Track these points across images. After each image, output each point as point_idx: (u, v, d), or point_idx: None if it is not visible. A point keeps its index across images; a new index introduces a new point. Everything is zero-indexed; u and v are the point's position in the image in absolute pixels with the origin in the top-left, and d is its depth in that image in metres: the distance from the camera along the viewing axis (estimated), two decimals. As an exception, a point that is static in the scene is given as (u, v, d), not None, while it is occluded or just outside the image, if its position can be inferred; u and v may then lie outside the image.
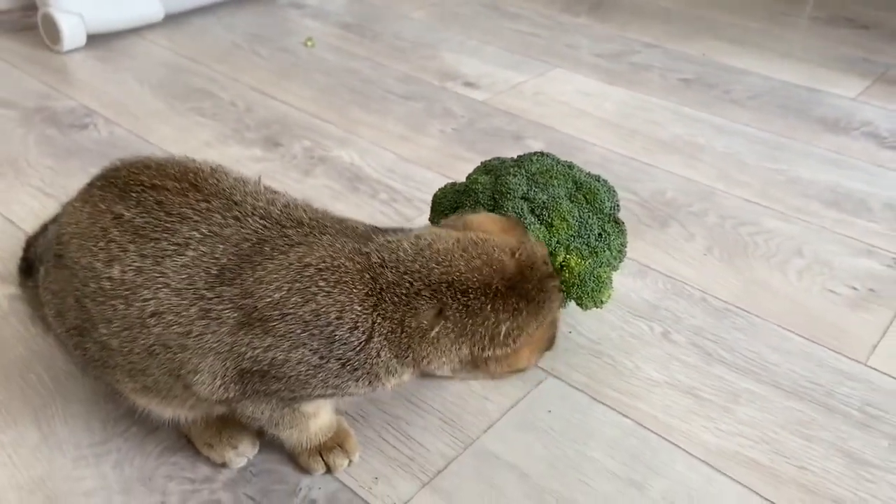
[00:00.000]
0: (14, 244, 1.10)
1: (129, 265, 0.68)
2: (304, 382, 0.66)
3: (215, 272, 0.66)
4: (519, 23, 1.99)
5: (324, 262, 0.65)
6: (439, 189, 0.96)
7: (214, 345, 0.66)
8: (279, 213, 0.69)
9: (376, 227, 0.72)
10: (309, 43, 1.82)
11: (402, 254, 0.66)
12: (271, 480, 0.79)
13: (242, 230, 0.67)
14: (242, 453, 0.80)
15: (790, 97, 1.61)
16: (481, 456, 0.82)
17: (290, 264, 0.65)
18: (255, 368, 0.66)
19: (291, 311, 0.64)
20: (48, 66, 1.67)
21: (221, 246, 0.67)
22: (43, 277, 0.77)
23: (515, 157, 0.96)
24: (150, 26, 1.85)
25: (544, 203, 0.87)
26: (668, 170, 1.35)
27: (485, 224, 0.72)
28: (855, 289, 1.07)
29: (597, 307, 0.89)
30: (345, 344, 0.64)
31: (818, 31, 1.96)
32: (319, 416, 0.76)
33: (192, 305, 0.66)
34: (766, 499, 0.78)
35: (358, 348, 0.65)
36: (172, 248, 0.67)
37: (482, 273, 0.66)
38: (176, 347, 0.67)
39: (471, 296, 0.65)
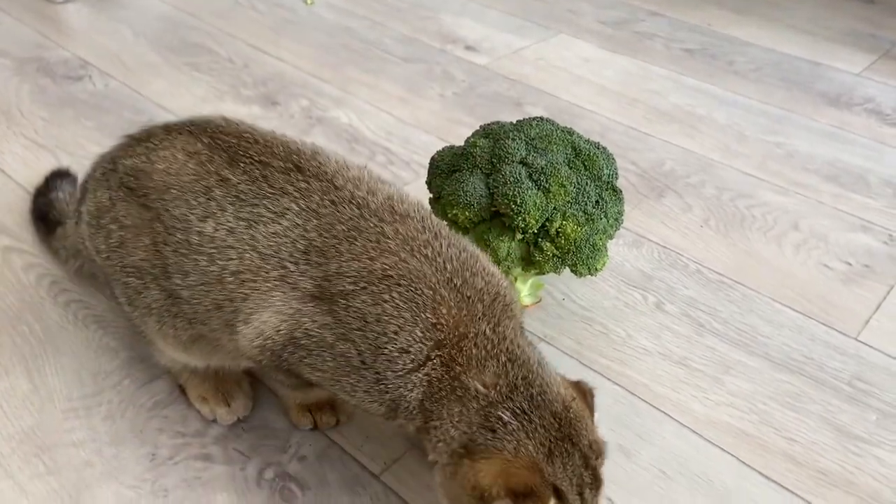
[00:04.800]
0: (6, 194, 1.09)
1: (224, 224, 0.68)
2: (335, 378, 0.65)
3: (302, 247, 0.65)
4: (522, -14, 1.96)
5: (405, 279, 0.63)
6: (437, 152, 0.95)
7: (279, 304, 0.65)
8: (379, 204, 0.68)
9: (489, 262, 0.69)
10: (308, 1, 1.79)
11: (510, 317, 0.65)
12: (262, 436, 0.79)
13: (337, 214, 0.67)
14: (234, 412, 0.80)
15: (793, 70, 1.60)
16: (472, 418, 0.83)
17: (374, 270, 0.63)
18: (302, 342, 0.65)
19: (358, 305, 0.63)
20: (43, 15, 1.64)
21: (315, 222, 0.66)
22: (107, 207, 0.75)
23: (515, 121, 0.95)
24: (147, -22, 1.82)
25: (542, 168, 0.86)
26: (668, 140, 1.34)
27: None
28: (849, 264, 1.07)
29: (591, 274, 0.89)
30: (390, 361, 0.62)
31: (825, 3, 1.93)
32: None
33: (273, 270, 0.66)
34: (754, 468, 0.79)
35: (400, 373, 0.62)
36: (269, 215, 0.67)
37: (545, 390, 0.63)
38: (239, 297, 0.67)
39: (531, 394, 0.62)
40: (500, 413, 0.61)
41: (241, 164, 0.70)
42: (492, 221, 0.88)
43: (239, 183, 0.69)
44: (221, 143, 0.72)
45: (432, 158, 0.95)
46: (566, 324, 0.95)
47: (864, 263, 1.07)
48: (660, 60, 1.62)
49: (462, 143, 0.94)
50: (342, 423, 0.80)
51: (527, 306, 0.96)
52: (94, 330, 0.90)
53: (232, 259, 0.67)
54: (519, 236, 0.86)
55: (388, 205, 0.68)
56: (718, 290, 1.01)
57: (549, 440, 0.61)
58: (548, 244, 0.86)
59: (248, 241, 0.67)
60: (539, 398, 0.62)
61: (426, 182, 0.94)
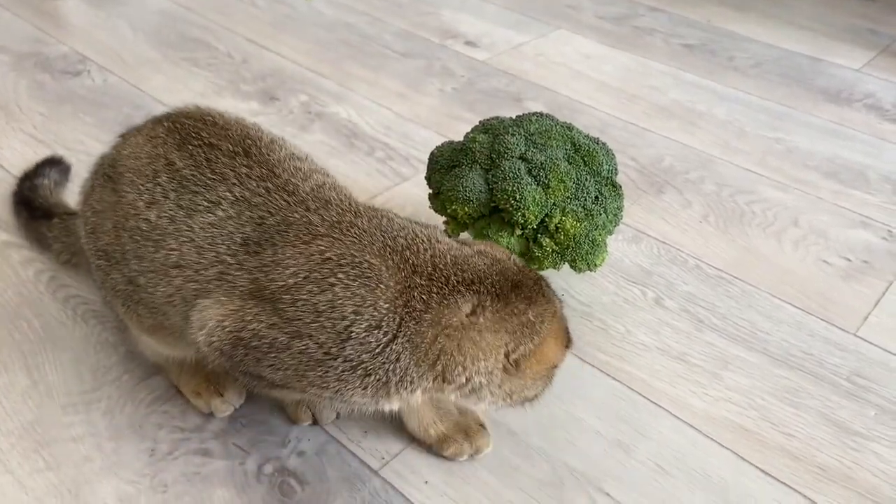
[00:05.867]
0: (5, 190, 1.09)
1: (165, 212, 0.68)
2: (300, 374, 0.64)
3: (239, 240, 0.65)
4: (522, -18, 1.96)
5: (345, 257, 0.63)
6: (437, 147, 0.95)
7: (223, 299, 0.65)
8: (307, 192, 0.68)
9: (405, 219, 0.70)
10: (308, -5, 1.79)
11: (435, 250, 0.65)
12: (261, 431, 0.79)
13: (269, 203, 0.67)
14: (228, 401, 0.80)
15: (793, 66, 1.60)
16: (470, 414, 0.83)
17: (312, 255, 0.63)
18: (252, 343, 0.64)
19: (304, 297, 0.62)
20: (41, 10, 1.64)
21: (248, 213, 0.66)
22: (88, 194, 0.77)
23: (514, 117, 0.95)
24: (146, -27, 1.82)
25: (542, 164, 0.86)
26: (667, 136, 1.34)
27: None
28: (849, 260, 1.07)
29: (591, 270, 0.89)
30: (361, 344, 0.61)
31: None
32: None
33: (211, 266, 0.66)
34: (752, 464, 0.79)
35: (376, 350, 0.62)
36: (205, 204, 0.67)
37: (500, 269, 0.66)
38: (189, 294, 0.67)
39: (500, 286, 0.64)
40: (515, 318, 0.64)
41: (189, 147, 0.70)
42: (491, 217, 0.88)
43: (183, 168, 0.69)
44: (179, 126, 0.73)
45: (431, 154, 0.94)
46: (565, 319, 0.95)
47: (863, 259, 1.07)
48: (659, 56, 1.62)
49: (461, 139, 0.94)
50: (341, 417, 0.80)
51: (526, 302, 0.96)
52: (94, 325, 0.90)
53: (173, 249, 0.67)
54: (518, 232, 0.86)
55: (315, 193, 0.68)
56: (717, 286, 1.01)
57: (542, 292, 0.67)
58: (547, 240, 0.86)
59: (185, 230, 0.67)
60: (510, 275, 0.65)
61: (425, 178, 0.94)
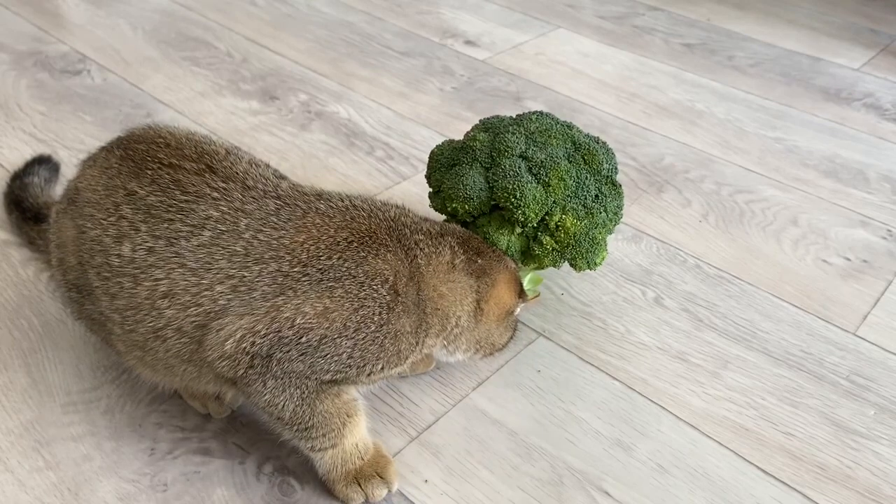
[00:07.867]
0: (5, 189, 1.09)
1: (140, 244, 0.66)
2: (354, 356, 0.65)
3: (241, 250, 0.65)
4: (522, -19, 1.95)
5: (366, 233, 0.68)
6: (437, 146, 0.95)
7: (240, 308, 0.64)
8: (286, 192, 0.70)
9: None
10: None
11: (407, 218, 0.73)
12: (261, 430, 0.79)
13: (265, 207, 0.67)
14: (225, 404, 0.80)
15: (793, 65, 1.60)
16: (470, 412, 0.83)
17: (338, 241, 0.67)
18: (301, 339, 0.63)
19: (345, 272, 0.65)
20: (41, 8, 1.64)
21: (245, 220, 0.66)
22: (53, 222, 0.75)
23: (514, 116, 0.95)
24: (146, -28, 1.82)
25: (542, 162, 0.86)
26: (667, 135, 1.34)
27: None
28: (848, 259, 1.07)
29: (590, 269, 0.88)
30: (403, 301, 0.66)
31: (824, -1, 1.93)
32: (357, 424, 0.72)
33: (216, 285, 0.64)
34: (752, 463, 0.79)
35: (409, 304, 0.67)
36: (187, 229, 0.65)
37: (451, 230, 0.76)
38: (192, 330, 0.65)
39: (460, 237, 0.75)
40: (470, 268, 0.73)
41: (149, 171, 0.68)
42: (491, 215, 0.88)
43: (147, 195, 0.67)
44: (132, 153, 0.71)
45: (432, 152, 0.94)
46: (565, 319, 0.95)
47: (862, 259, 1.08)
48: (659, 55, 1.62)
49: (461, 138, 0.94)
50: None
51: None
52: (93, 324, 0.90)
53: (160, 279, 0.65)
54: (518, 230, 0.86)
55: (295, 191, 0.71)
56: (717, 286, 1.02)
57: (490, 247, 0.77)
58: (547, 238, 0.86)
59: (172, 258, 0.65)
60: (459, 234, 0.76)
61: (425, 176, 0.94)
